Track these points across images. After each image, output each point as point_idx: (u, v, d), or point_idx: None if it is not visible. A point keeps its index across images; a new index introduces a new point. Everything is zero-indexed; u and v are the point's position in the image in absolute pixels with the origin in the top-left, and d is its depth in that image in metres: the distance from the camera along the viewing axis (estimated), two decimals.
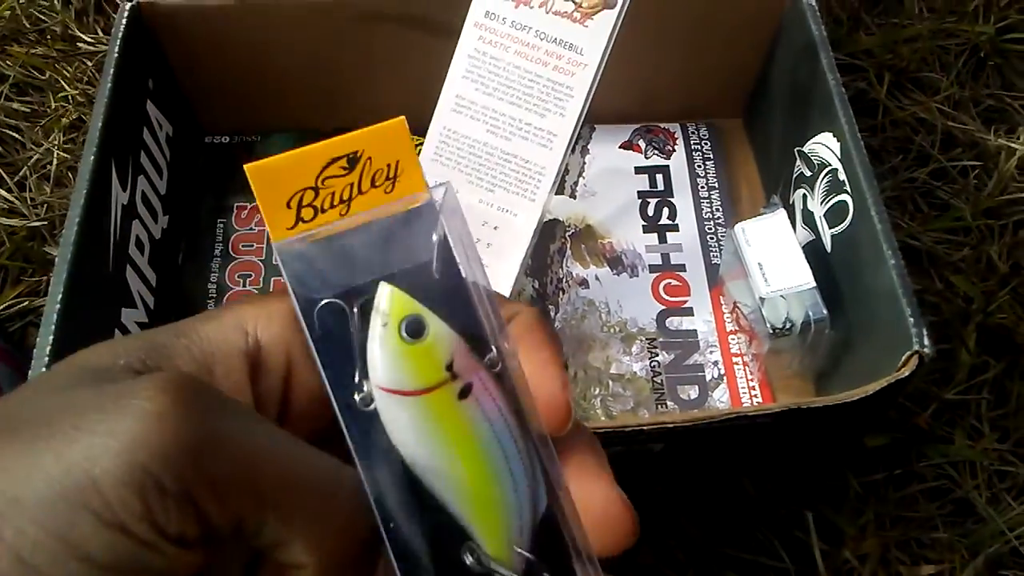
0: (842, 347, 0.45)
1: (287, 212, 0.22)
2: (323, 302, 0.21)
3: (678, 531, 0.45)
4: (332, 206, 0.22)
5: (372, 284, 0.21)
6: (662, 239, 0.53)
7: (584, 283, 0.51)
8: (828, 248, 0.45)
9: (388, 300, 0.21)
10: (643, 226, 0.53)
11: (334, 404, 0.21)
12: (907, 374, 0.37)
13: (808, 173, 0.47)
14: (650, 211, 0.53)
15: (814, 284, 0.44)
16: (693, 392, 0.48)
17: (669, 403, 0.48)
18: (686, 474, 0.46)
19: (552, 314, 0.50)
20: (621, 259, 0.52)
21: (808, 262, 0.45)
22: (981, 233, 0.55)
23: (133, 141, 0.46)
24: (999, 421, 0.49)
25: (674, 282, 0.51)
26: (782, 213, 0.45)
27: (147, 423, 0.18)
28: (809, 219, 0.47)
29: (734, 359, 0.49)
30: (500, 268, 0.45)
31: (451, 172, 0.45)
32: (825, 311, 0.43)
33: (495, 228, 0.45)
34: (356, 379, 0.21)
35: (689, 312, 0.50)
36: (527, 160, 0.44)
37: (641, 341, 0.49)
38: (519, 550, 0.22)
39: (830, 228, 0.45)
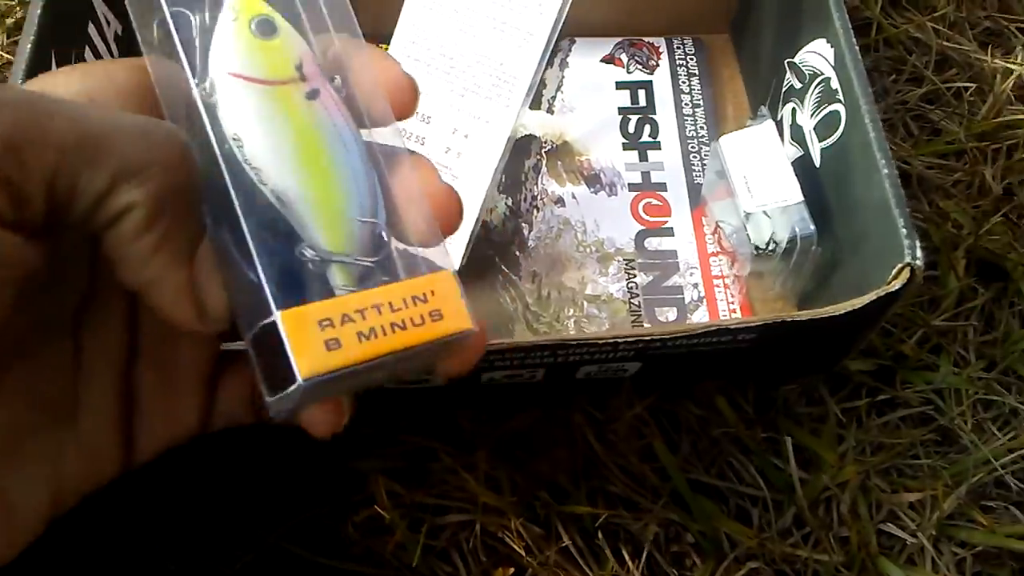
0: (827, 267, 0.43)
1: None
2: (172, 11, 0.21)
3: (651, 457, 0.43)
4: None
5: None
6: (643, 157, 0.50)
7: (560, 201, 0.49)
8: (817, 163, 0.43)
9: (238, 1, 0.22)
10: (623, 143, 0.50)
11: (192, 86, 0.21)
12: (898, 287, 0.35)
13: (798, 85, 0.45)
14: (631, 128, 0.51)
15: (802, 198, 0.41)
16: (671, 314, 0.46)
17: (646, 325, 0.46)
18: (660, 399, 0.44)
19: (526, 232, 0.48)
20: (599, 177, 0.49)
21: (797, 179, 0.43)
22: (974, 157, 0.52)
23: (76, 36, 0.43)
24: (986, 349, 0.48)
25: (654, 201, 0.49)
26: (770, 124, 0.43)
27: None
28: (798, 134, 0.45)
29: (715, 281, 0.47)
30: (471, 179, 0.43)
31: (422, 71, 0.42)
32: (812, 227, 0.41)
33: (466, 136, 0.43)
34: (199, 71, 0.21)
35: (669, 232, 0.48)
36: (501, 63, 0.42)
37: (618, 262, 0.47)
38: (359, 246, 0.22)
39: (820, 141, 0.43)
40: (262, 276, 0.20)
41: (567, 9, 0.42)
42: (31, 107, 0.18)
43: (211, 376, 0.24)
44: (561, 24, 0.42)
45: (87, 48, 0.43)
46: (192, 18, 0.21)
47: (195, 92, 0.21)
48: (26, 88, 0.20)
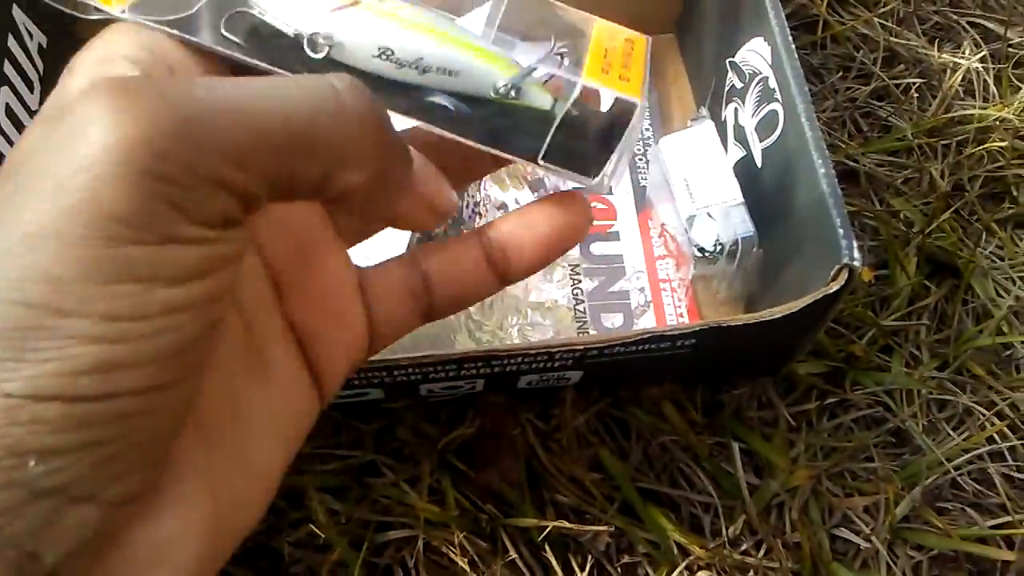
0: (772, 269, 0.42)
1: None
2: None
3: (598, 466, 0.42)
4: None
5: None
6: None
7: (503, 207, 0.48)
8: (759, 163, 0.42)
9: None
10: None
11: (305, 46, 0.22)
12: (836, 289, 0.34)
13: (739, 84, 0.44)
14: None
15: (742, 200, 0.41)
16: (617, 320, 0.45)
17: (592, 331, 0.45)
18: (606, 406, 0.43)
19: None
20: (543, 181, 0.48)
21: (740, 180, 0.42)
22: (923, 153, 0.52)
23: None
24: (938, 348, 0.47)
25: (600, 205, 0.48)
26: (709, 124, 0.42)
27: (118, 130, 0.17)
28: (740, 134, 0.44)
29: (661, 285, 0.46)
30: None
31: None
32: (753, 229, 0.40)
33: None
34: (298, 36, 0.22)
35: (615, 237, 0.47)
36: None
37: (563, 267, 0.46)
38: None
39: (760, 142, 0.42)
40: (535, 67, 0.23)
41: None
42: (241, 112, 0.18)
43: (358, 289, 0.25)
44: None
45: (6, 61, 0.42)
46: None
47: (307, 46, 0.22)
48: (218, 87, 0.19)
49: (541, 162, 0.23)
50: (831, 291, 0.34)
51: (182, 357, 0.18)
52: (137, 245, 0.17)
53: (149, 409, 0.18)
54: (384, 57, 0.23)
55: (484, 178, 0.48)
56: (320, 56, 0.22)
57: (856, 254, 0.35)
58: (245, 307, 0.23)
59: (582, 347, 0.35)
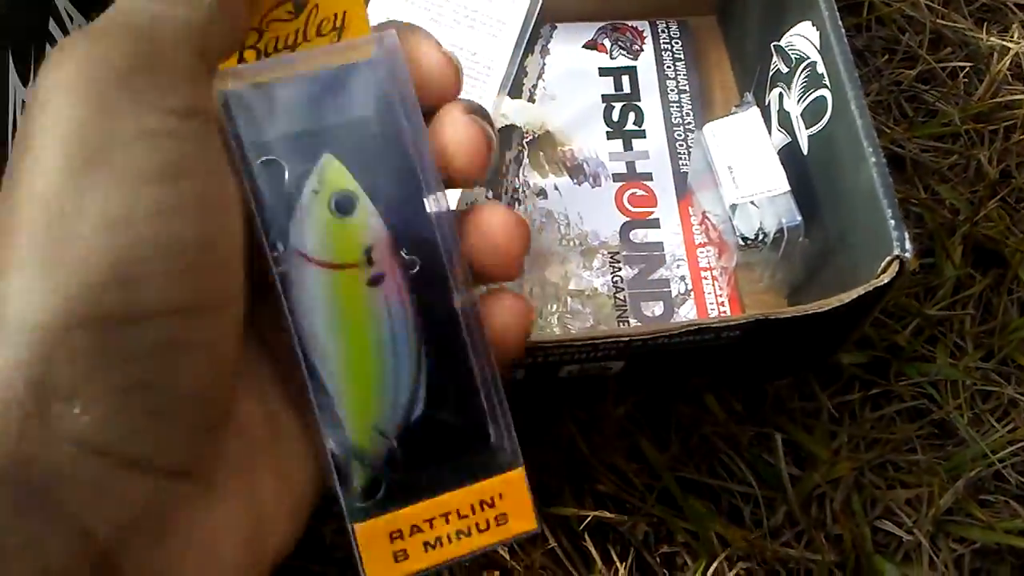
0: (818, 258, 0.41)
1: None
2: (263, 159, 0.21)
3: (638, 456, 0.42)
4: (276, 51, 0.22)
5: (312, 144, 0.21)
6: (627, 146, 0.48)
7: (542, 193, 0.47)
8: (805, 150, 0.42)
9: (326, 170, 0.21)
10: (607, 132, 0.49)
11: (266, 248, 0.22)
12: (886, 281, 0.34)
13: (785, 69, 0.43)
14: (615, 116, 0.49)
15: (788, 188, 0.40)
16: (658, 308, 0.45)
17: (632, 320, 0.44)
18: (647, 396, 0.43)
19: None
20: (583, 167, 0.48)
21: (784, 166, 0.42)
22: (970, 139, 0.51)
23: (36, 32, 0.41)
24: (984, 338, 0.46)
25: (639, 192, 0.47)
26: (755, 111, 0.41)
27: None
28: (785, 120, 0.43)
29: (702, 273, 0.45)
30: None
31: None
32: (799, 218, 0.40)
33: None
34: (279, 234, 0.21)
35: (655, 224, 0.46)
36: (474, 53, 0.40)
37: (603, 255, 0.46)
38: (384, 438, 0.22)
39: (807, 128, 0.41)
40: (337, 485, 0.22)
41: None
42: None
43: None
44: (536, 11, 0.40)
45: (48, 46, 0.42)
46: (285, 171, 0.21)
47: (270, 258, 0.22)
48: None
49: None
50: (881, 283, 0.34)
51: (191, 273, 0.19)
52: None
53: (180, 341, 0.18)
54: (300, 318, 0.22)
55: (523, 162, 0.48)
56: (283, 270, 0.22)
57: (908, 246, 0.34)
58: (276, 350, 0.24)
59: (627, 338, 0.34)
